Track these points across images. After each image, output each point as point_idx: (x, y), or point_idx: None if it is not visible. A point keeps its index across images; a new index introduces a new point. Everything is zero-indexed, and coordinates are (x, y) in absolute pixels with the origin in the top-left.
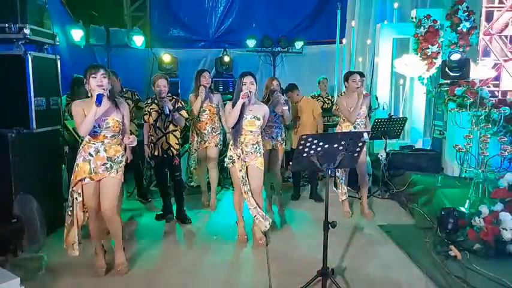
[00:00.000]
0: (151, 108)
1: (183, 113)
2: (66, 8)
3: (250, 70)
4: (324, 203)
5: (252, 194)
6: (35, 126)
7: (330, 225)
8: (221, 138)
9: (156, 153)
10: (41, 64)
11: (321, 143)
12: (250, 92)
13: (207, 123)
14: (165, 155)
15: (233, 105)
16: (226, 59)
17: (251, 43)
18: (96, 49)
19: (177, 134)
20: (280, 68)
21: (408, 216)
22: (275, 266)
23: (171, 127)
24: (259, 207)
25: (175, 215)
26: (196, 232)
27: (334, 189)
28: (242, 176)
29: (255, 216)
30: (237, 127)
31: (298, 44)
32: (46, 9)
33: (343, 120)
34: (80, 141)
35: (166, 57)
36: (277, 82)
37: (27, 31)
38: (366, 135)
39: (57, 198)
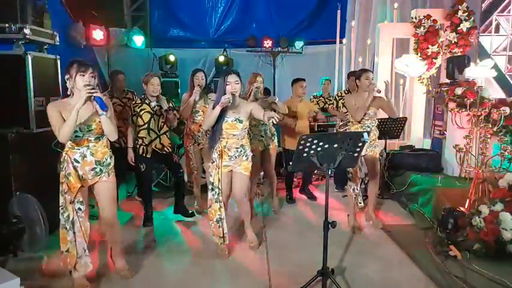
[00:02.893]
0: (142, 109)
1: (175, 112)
2: (66, 8)
3: (250, 70)
4: (325, 203)
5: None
6: (35, 126)
7: (330, 225)
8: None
9: (148, 156)
10: (41, 64)
11: (321, 143)
12: (233, 94)
13: (200, 125)
14: (159, 156)
15: (214, 108)
16: (221, 58)
17: (251, 43)
18: (96, 49)
19: (169, 134)
20: (280, 68)
21: (408, 216)
22: (275, 266)
23: (164, 128)
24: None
25: (175, 211)
26: (194, 233)
27: (336, 190)
28: (211, 182)
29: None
30: (214, 132)
31: (298, 44)
32: (46, 9)
33: (352, 122)
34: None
35: (171, 57)
36: (261, 79)
37: (27, 31)
38: (366, 135)
39: (57, 198)
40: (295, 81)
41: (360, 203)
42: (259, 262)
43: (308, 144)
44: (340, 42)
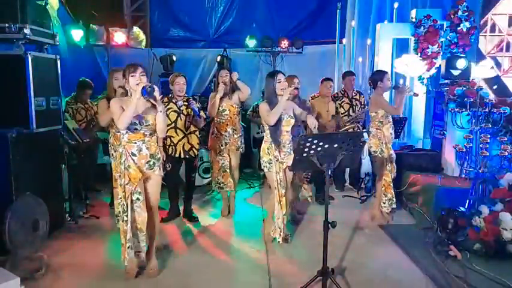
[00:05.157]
0: (168, 108)
1: (202, 114)
2: (66, 8)
3: (250, 70)
4: (325, 203)
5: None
6: (35, 126)
7: (330, 225)
8: (242, 141)
9: (176, 155)
10: (41, 64)
11: (321, 143)
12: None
13: (227, 124)
14: (187, 156)
15: (269, 104)
16: (218, 58)
17: (251, 43)
18: (96, 49)
19: (198, 133)
20: (280, 68)
21: (408, 216)
22: (275, 266)
23: (192, 127)
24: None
25: (182, 214)
26: (195, 233)
27: (336, 190)
28: (280, 179)
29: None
30: (276, 128)
31: (298, 44)
32: (46, 9)
33: (381, 122)
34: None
35: (174, 58)
36: (298, 80)
37: (27, 31)
38: (366, 135)
39: (57, 198)
40: (323, 80)
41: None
42: (259, 262)
43: (308, 144)
44: (340, 42)
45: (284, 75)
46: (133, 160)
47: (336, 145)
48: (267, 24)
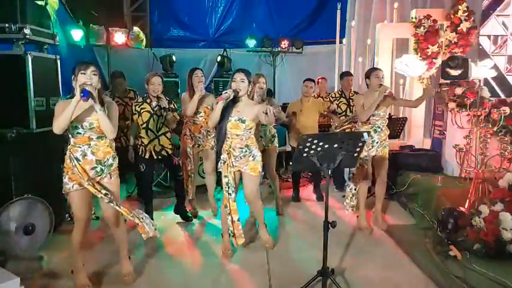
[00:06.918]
0: (142, 108)
1: (175, 114)
2: (66, 8)
3: (250, 70)
4: (324, 203)
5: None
6: (35, 126)
7: (330, 225)
8: (215, 141)
9: (146, 156)
10: (41, 64)
11: (321, 143)
12: (236, 91)
13: (201, 126)
14: (159, 157)
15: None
16: (218, 59)
17: (251, 43)
18: (96, 49)
19: (169, 135)
20: (280, 68)
21: (408, 216)
22: (275, 266)
23: (164, 129)
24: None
25: (178, 211)
26: (195, 233)
27: (336, 190)
28: (226, 182)
29: (227, 230)
30: (220, 130)
31: (298, 44)
32: (46, 9)
33: (363, 122)
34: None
35: (174, 58)
36: (263, 80)
37: (27, 31)
38: (366, 135)
39: (57, 199)
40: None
41: (353, 205)
42: (259, 262)
43: (308, 144)
44: (340, 42)
45: (246, 73)
46: (78, 165)
47: (336, 145)
48: (267, 24)
